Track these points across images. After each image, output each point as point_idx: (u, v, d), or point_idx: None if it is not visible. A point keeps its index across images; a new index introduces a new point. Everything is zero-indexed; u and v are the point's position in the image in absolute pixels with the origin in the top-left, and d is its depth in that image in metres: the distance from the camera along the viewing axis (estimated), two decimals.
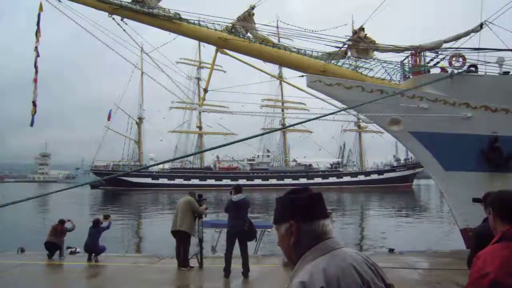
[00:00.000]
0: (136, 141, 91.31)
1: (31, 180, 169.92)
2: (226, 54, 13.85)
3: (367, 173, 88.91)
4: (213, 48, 14.01)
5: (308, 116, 19.07)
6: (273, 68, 48.06)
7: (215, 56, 14.24)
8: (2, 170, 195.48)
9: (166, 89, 16.35)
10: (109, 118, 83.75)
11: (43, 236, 11.83)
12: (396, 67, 13.46)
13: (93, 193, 67.40)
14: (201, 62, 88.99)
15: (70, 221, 11.97)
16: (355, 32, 13.81)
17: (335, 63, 13.57)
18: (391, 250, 11.97)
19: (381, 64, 13.38)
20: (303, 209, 1.80)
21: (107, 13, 12.74)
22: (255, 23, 13.55)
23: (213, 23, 13.23)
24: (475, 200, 5.05)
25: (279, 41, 14.17)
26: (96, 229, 11.31)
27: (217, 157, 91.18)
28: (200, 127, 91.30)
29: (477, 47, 12.65)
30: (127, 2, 12.84)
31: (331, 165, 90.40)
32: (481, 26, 12.79)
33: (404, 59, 13.48)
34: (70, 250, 12.22)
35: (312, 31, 13.20)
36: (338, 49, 13.35)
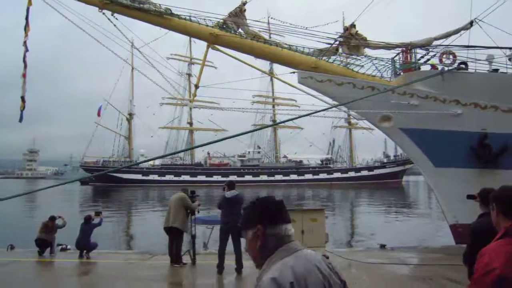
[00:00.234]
0: (127, 137, 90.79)
1: (19, 176, 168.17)
2: (218, 50, 13.79)
3: (358, 170, 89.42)
4: (204, 44, 13.93)
5: (299, 113, 19.09)
6: (264, 64, 48.01)
7: (206, 51, 14.17)
8: None
9: (157, 85, 16.30)
10: (99, 114, 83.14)
11: (33, 233, 11.70)
12: (387, 64, 13.52)
13: (83, 190, 66.92)
14: (192, 58, 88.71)
15: (61, 218, 11.87)
16: (346, 29, 13.85)
17: (327, 60, 13.58)
18: (382, 246, 12.05)
19: (372, 61, 13.43)
20: (268, 214, 1.96)
21: (97, 8, 12.62)
22: (246, 19, 13.52)
23: (205, 19, 13.17)
24: (470, 196, 5.09)
25: (270, 37, 14.19)
26: (88, 225, 11.21)
27: (208, 153, 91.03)
28: (190, 123, 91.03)
29: (467, 44, 12.75)
30: None
31: (322, 161, 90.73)
32: (471, 23, 12.90)
33: (395, 56, 13.56)
34: (60, 247, 12.11)
35: (304, 27, 13.21)
36: (330, 45, 13.37)
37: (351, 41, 13.31)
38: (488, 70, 12.70)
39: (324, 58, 13.51)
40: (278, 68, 19.84)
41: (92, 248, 11.14)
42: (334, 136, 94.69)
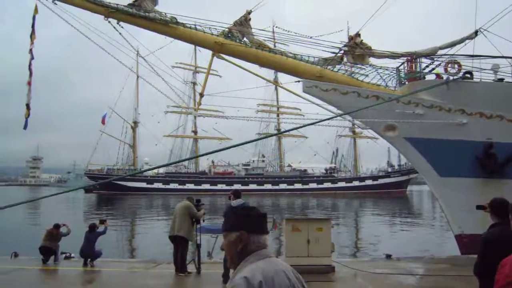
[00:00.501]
0: (131, 145, 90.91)
1: (22, 183, 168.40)
2: (222, 58, 13.85)
3: (362, 179, 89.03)
4: (209, 52, 14.01)
5: (304, 122, 19.09)
6: (268, 73, 48.13)
7: (211, 60, 14.23)
8: None
9: (162, 93, 16.34)
10: (103, 122, 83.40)
11: (37, 241, 11.69)
12: (391, 73, 13.52)
13: (87, 197, 66.96)
14: (197, 66, 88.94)
15: (65, 226, 11.86)
16: (351, 38, 13.88)
17: (331, 69, 13.61)
18: (388, 256, 11.95)
19: (376, 70, 13.44)
20: (253, 223, 2.19)
21: (103, 16, 12.72)
22: (251, 28, 13.58)
23: (210, 28, 13.25)
24: (479, 207, 5.03)
25: (275, 46, 14.21)
26: (92, 234, 11.19)
27: (212, 162, 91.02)
28: (195, 132, 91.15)
29: (472, 54, 12.74)
30: (123, 6, 12.82)
31: (326, 170, 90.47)
32: (475, 33, 12.89)
33: (400, 65, 13.56)
34: (64, 255, 12.08)
35: (308, 36, 13.25)
36: (334, 54, 13.40)
37: (356, 50, 13.34)
38: (493, 80, 12.68)
39: (329, 67, 13.54)
40: (283, 77, 19.91)
41: (97, 257, 11.12)
42: (338, 145, 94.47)
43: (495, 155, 12.47)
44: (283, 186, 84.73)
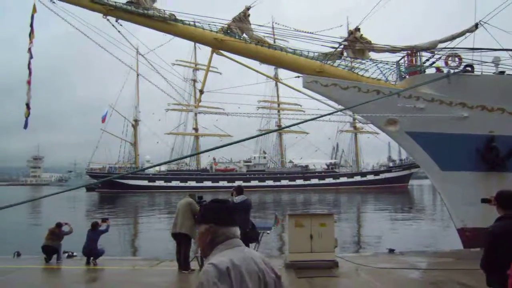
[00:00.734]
0: (132, 144, 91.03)
1: (23, 183, 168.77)
2: (222, 55, 13.82)
3: (364, 174, 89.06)
4: (208, 49, 13.98)
5: (304, 117, 19.05)
6: (269, 69, 48.10)
7: (211, 57, 14.21)
8: None
9: (162, 91, 16.32)
10: (103, 120, 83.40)
11: (40, 240, 11.70)
12: (392, 68, 13.48)
13: (89, 196, 67.08)
14: (197, 63, 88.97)
15: (67, 225, 11.87)
16: (351, 33, 13.82)
17: (331, 64, 13.57)
18: (391, 251, 11.94)
19: (376, 64, 13.39)
20: (222, 216, 2.34)
21: (101, 14, 12.69)
22: (250, 24, 13.53)
23: (209, 24, 13.20)
24: (484, 200, 5.00)
25: (274, 42, 14.16)
26: (95, 232, 11.19)
27: (214, 159, 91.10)
28: (196, 129, 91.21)
29: (472, 47, 12.68)
30: (122, 3, 12.78)
31: (328, 165, 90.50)
32: (476, 26, 12.82)
33: (400, 59, 13.51)
34: (67, 254, 12.09)
35: (308, 32, 13.20)
36: (334, 49, 13.35)
37: (356, 44, 13.29)
38: (494, 73, 12.62)
39: (329, 62, 13.50)
40: (283, 73, 19.87)
41: (99, 255, 11.12)
42: (339, 140, 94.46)
43: (497, 149, 12.45)
44: (284, 182, 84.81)
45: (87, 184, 72.95)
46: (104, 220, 12.00)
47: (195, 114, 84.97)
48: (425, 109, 12.47)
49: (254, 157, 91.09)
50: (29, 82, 10.38)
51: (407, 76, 13.40)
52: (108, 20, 12.79)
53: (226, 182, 79.18)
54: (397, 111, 12.51)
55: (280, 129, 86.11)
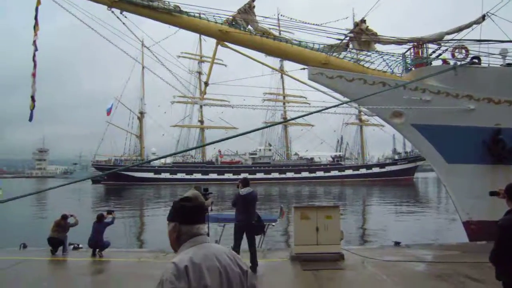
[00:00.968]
0: (138, 136, 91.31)
1: (29, 175, 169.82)
2: (227, 47, 13.77)
3: (369, 167, 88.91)
4: (214, 41, 13.93)
5: (310, 110, 18.98)
6: (274, 61, 48.00)
7: (216, 49, 14.16)
8: None
9: (167, 84, 16.29)
10: (108, 113, 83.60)
11: (45, 232, 11.79)
12: (398, 60, 13.37)
13: (95, 188, 67.48)
14: (202, 56, 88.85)
15: (73, 216, 11.93)
16: (356, 24, 13.72)
17: (337, 56, 13.48)
18: (397, 243, 11.92)
19: (382, 56, 13.29)
20: (185, 215, 2.41)
21: (106, 7, 12.66)
22: (255, 16, 13.45)
23: (214, 16, 13.14)
24: (492, 193, 4.96)
25: (280, 34, 14.08)
26: (100, 224, 11.25)
27: (219, 151, 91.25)
28: (201, 121, 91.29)
29: (479, 38, 12.54)
30: None
31: (333, 158, 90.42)
32: (483, 17, 12.68)
33: (406, 51, 13.40)
34: (73, 246, 12.19)
35: (314, 24, 13.11)
36: (340, 41, 13.26)
37: (362, 36, 13.19)
38: (501, 65, 12.49)
39: (334, 54, 13.41)
40: (289, 65, 19.76)
41: (105, 247, 11.19)
42: (345, 133, 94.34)
43: (503, 141, 12.35)
44: (290, 174, 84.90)
45: (93, 176, 73.14)
46: (110, 212, 12.05)
47: (200, 107, 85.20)
48: (431, 102, 12.38)
49: (260, 150, 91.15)
50: (34, 75, 10.38)
51: (413, 68, 13.30)
52: (112, 12, 12.76)
53: (231, 174, 79.44)
54: (403, 103, 12.43)
55: (285, 121, 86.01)
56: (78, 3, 12.08)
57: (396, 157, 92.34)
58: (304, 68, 13.23)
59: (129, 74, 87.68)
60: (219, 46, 13.95)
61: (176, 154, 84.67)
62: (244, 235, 8.96)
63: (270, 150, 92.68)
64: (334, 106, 12.21)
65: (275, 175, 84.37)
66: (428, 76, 12.07)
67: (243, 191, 9.02)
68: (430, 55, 13.16)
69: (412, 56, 13.35)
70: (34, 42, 10.44)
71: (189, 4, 13.22)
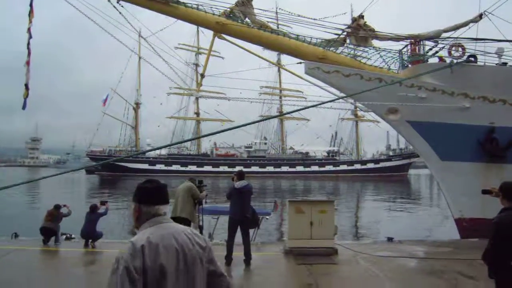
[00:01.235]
0: (133, 127, 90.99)
1: (22, 164, 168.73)
2: (224, 39, 13.71)
3: (364, 162, 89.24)
4: (211, 33, 13.86)
5: (306, 104, 18.97)
6: (271, 55, 47.88)
7: (213, 41, 14.11)
8: None
9: (164, 75, 16.21)
10: (104, 103, 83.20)
11: (37, 222, 11.70)
12: (394, 56, 13.38)
13: (89, 179, 67.30)
14: (200, 47, 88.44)
15: (66, 207, 11.88)
16: (354, 20, 13.70)
17: (334, 51, 13.46)
18: (390, 239, 11.98)
19: (379, 52, 13.29)
20: (145, 197, 2.56)
21: None
22: (253, 8, 13.38)
23: (211, 7, 13.06)
24: (485, 191, 4.98)
25: (278, 27, 14.03)
26: (93, 215, 11.20)
27: (215, 143, 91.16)
28: (197, 113, 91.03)
29: (475, 37, 12.58)
30: None
31: (328, 153, 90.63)
32: (480, 16, 12.72)
33: (403, 48, 13.41)
34: (65, 236, 12.13)
35: (312, 18, 13.07)
36: (337, 36, 13.24)
37: (359, 32, 13.17)
38: (497, 64, 12.53)
39: (331, 49, 13.39)
40: (286, 59, 19.73)
41: (98, 237, 11.15)
42: (341, 128, 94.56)
43: (497, 140, 12.42)
44: (285, 168, 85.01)
45: (86, 166, 72.94)
46: (103, 203, 12.01)
47: (196, 99, 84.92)
48: (427, 99, 12.41)
49: (255, 143, 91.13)
50: (28, 63, 10.26)
51: (409, 65, 13.32)
52: (109, 1, 12.65)
53: (226, 167, 79.41)
54: (398, 100, 12.45)
55: (281, 115, 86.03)
56: None
57: (391, 153, 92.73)
58: (301, 62, 13.21)
59: (126, 65, 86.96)
60: (216, 38, 13.89)
61: (171, 146, 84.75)
62: (239, 228, 8.97)
63: (265, 143, 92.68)
64: (330, 101, 12.23)
65: (270, 168, 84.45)
66: (424, 73, 12.09)
67: (238, 184, 9.00)
68: (427, 52, 13.18)
69: (408, 53, 13.37)
70: (29, 29, 10.31)
71: None
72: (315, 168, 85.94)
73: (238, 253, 8.83)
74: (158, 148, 71.24)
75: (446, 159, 12.94)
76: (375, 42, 13.55)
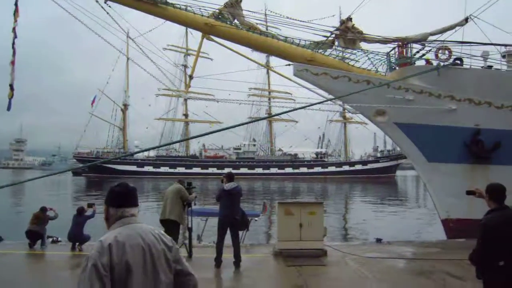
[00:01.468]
0: (121, 128, 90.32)
1: (6, 166, 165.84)
2: (213, 40, 13.72)
3: (352, 164, 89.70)
4: (200, 34, 13.85)
5: (295, 106, 19.06)
6: (260, 57, 47.92)
7: (201, 42, 14.17)
8: None
9: (152, 76, 16.15)
10: (92, 104, 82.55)
11: (23, 226, 11.49)
12: (382, 58, 13.50)
13: (76, 181, 66.60)
14: (188, 49, 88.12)
15: (52, 210, 11.72)
16: (343, 22, 13.79)
17: (322, 53, 13.53)
18: (378, 240, 12.04)
19: (367, 55, 13.40)
20: (113, 199, 2.67)
21: None
22: (242, 10, 13.41)
23: (200, 9, 13.04)
24: (469, 192, 5.03)
25: (266, 29, 14.07)
26: (81, 217, 11.08)
27: (203, 145, 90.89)
28: (186, 115, 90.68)
29: (461, 40, 12.75)
30: None
31: (317, 155, 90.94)
32: (466, 20, 12.87)
33: (390, 51, 13.53)
34: (51, 239, 11.96)
35: (300, 20, 13.13)
36: (326, 38, 13.31)
37: (348, 34, 13.26)
38: (482, 67, 12.72)
39: (320, 51, 13.46)
40: (275, 61, 19.82)
41: (85, 240, 11.01)
42: (329, 130, 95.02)
43: (482, 142, 12.59)
44: (274, 170, 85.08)
45: (73, 168, 72.06)
46: (90, 205, 11.87)
47: (185, 100, 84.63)
48: (414, 101, 12.53)
49: (244, 145, 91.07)
50: (13, 63, 10.12)
51: (397, 68, 13.44)
52: (97, 1, 12.57)
53: (215, 169, 79.24)
54: (386, 102, 12.55)
55: (270, 117, 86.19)
56: None
57: (378, 154, 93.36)
58: (289, 64, 13.27)
59: (114, 66, 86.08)
60: (205, 40, 13.89)
61: (160, 148, 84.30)
62: (228, 230, 8.95)
63: (254, 145, 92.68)
64: (319, 103, 12.30)
65: (259, 170, 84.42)
66: (411, 76, 12.21)
67: (228, 186, 8.98)
68: (414, 55, 13.31)
69: (396, 56, 13.49)
70: (14, 29, 10.18)
71: None
72: (303, 169, 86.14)
73: (228, 255, 8.80)
74: (146, 150, 70.79)
75: (433, 161, 13.08)
76: (363, 45, 13.68)
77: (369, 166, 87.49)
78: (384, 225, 20.59)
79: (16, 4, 10.43)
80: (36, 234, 11.02)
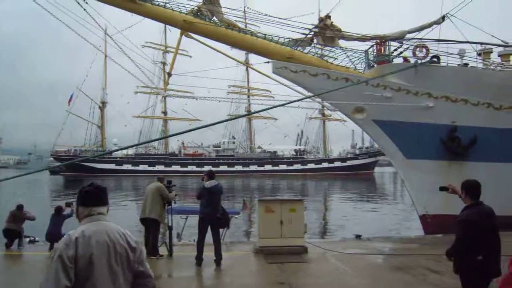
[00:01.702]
0: (99, 126, 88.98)
1: None
2: (191, 37, 13.60)
3: (331, 161, 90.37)
4: (179, 31, 13.73)
5: (274, 103, 19.08)
6: (239, 54, 47.73)
7: (180, 39, 13.97)
8: None
9: (131, 74, 15.93)
10: (69, 102, 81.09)
11: None
12: (360, 56, 13.62)
13: (53, 179, 65.38)
14: (167, 46, 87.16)
15: (29, 212, 11.47)
16: (321, 20, 13.85)
17: (301, 50, 13.58)
18: (358, 236, 12.17)
19: (346, 52, 13.50)
20: (82, 199, 2.87)
21: None
22: (221, 7, 13.35)
23: (179, 6, 12.93)
24: (442, 188, 5.11)
25: (246, 26, 14.05)
26: (59, 217, 10.89)
27: (182, 143, 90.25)
28: (165, 113, 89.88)
29: (438, 38, 12.95)
30: None
31: (296, 152, 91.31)
32: (443, 18, 13.09)
33: (368, 48, 13.67)
34: (28, 239, 11.72)
35: (279, 18, 13.14)
36: (305, 36, 13.36)
37: (326, 32, 13.34)
38: (459, 64, 12.96)
39: (299, 48, 13.51)
40: (254, 58, 19.79)
41: None
42: (308, 127, 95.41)
43: (458, 138, 12.83)
44: (253, 167, 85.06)
45: (50, 167, 70.74)
46: (69, 204, 11.66)
47: (164, 98, 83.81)
48: (392, 98, 12.70)
49: (224, 142, 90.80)
50: None
51: (375, 65, 13.59)
52: None
53: (195, 166, 78.83)
54: (364, 99, 12.68)
55: (250, 114, 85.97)
56: None
57: (357, 151, 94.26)
58: (268, 62, 13.28)
59: (91, 63, 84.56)
60: (184, 37, 13.76)
61: (139, 145, 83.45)
62: (209, 228, 8.92)
63: (234, 143, 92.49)
64: (298, 100, 12.35)
65: (239, 167, 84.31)
66: (389, 73, 12.37)
67: (208, 184, 8.94)
68: (392, 52, 13.49)
69: (374, 53, 13.64)
70: None
71: None
72: (283, 167, 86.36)
73: (209, 253, 8.78)
74: (125, 148, 70.09)
75: (410, 157, 13.28)
76: (342, 42, 13.78)
77: (348, 163, 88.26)
78: (363, 222, 20.81)
79: None
80: (14, 232, 10.81)
